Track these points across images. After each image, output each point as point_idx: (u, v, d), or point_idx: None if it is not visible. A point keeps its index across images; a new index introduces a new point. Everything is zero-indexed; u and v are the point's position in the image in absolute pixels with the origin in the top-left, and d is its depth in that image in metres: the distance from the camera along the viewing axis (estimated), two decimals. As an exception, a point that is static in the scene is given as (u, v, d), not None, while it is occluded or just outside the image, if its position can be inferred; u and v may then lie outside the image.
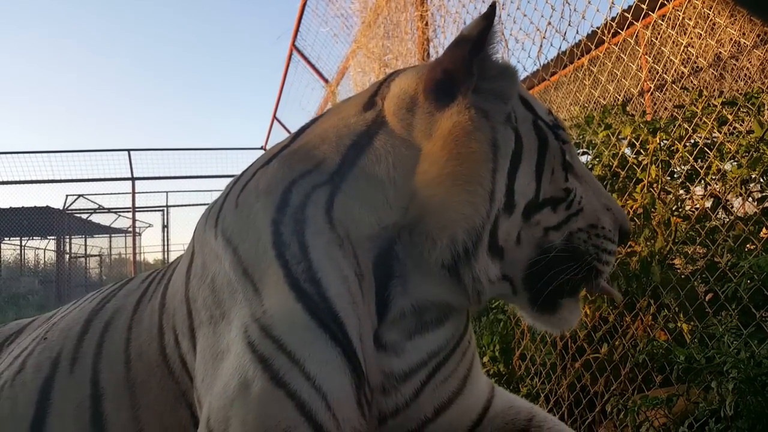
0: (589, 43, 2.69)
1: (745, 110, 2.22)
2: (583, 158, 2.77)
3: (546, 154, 1.20)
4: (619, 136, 2.58)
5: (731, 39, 2.90)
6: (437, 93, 1.16)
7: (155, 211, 18.94)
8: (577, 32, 2.65)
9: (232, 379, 1.03)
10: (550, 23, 2.78)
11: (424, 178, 1.13)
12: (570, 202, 1.21)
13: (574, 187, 1.22)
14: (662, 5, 2.38)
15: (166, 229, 18.61)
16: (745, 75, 4.98)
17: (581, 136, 2.83)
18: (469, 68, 1.15)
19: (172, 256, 18.50)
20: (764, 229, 2.09)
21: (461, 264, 1.12)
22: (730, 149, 2.17)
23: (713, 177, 2.23)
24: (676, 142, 2.31)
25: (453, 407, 1.24)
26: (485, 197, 1.10)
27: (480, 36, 1.13)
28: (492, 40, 1.16)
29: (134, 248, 15.87)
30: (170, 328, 1.27)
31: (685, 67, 2.54)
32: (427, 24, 4.49)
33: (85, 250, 21.05)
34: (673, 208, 2.29)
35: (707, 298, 2.07)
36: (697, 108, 2.26)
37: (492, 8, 1.13)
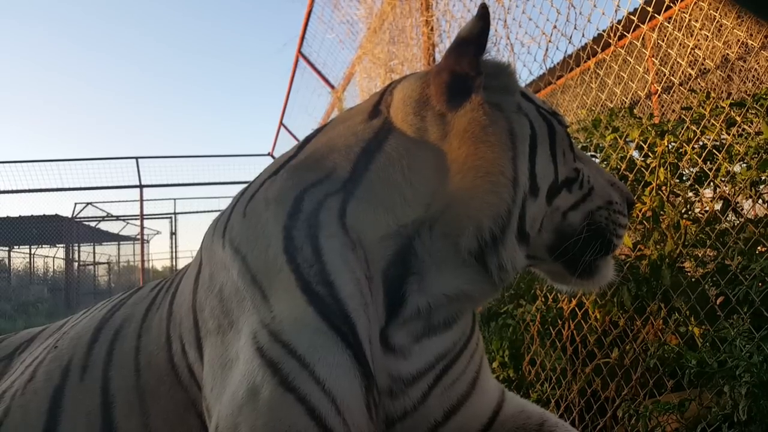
0: (596, 47, 2.68)
1: (753, 112, 2.20)
2: (591, 161, 2.75)
3: (555, 137, 1.28)
4: (627, 139, 2.56)
5: (738, 40, 2.88)
6: (449, 95, 1.20)
7: (163, 218, 19.04)
8: (583, 35, 2.65)
9: (240, 386, 1.02)
10: (555, 27, 2.78)
11: (446, 175, 1.16)
12: (581, 182, 1.29)
13: (581, 167, 1.31)
14: (668, 7, 2.37)
15: (174, 236, 18.69)
16: (753, 76, 4.95)
17: (588, 140, 2.82)
18: (477, 68, 1.20)
19: (181, 263, 18.56)
20: (775, 231, 2.06)
21: (488, 251, 1.15)
22: (738, 151, 2.15)
23: (722, 179, 2.21)
24: (684, 144, 2.29)
25: (462, 410, 1.24)
26: (508, 184, 1.14)
27: (481, 36, 1.19)
28: (488, 39, 1.21)
29: (142, 255, 15.94)
30: (177, 337, 1.27)
31: (692, 69, 2.53)
32: (432, 29, 4.50)
33: (94, 257, 21.18)
34: (683, 211, 2.28)
35: (718, 301, 2.04)
36: (705, 110, 2.25)
37: (484, 8, 1.17)
